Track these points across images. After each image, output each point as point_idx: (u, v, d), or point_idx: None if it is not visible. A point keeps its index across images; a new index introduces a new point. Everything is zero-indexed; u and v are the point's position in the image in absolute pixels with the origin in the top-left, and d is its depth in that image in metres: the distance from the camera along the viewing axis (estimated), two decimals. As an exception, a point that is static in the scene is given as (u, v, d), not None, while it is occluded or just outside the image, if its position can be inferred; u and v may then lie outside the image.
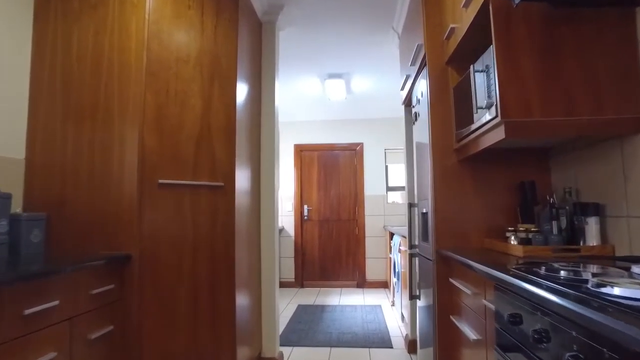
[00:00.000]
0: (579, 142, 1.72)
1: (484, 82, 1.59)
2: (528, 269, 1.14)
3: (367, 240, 5.69)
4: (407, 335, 3.16)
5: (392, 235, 4.49)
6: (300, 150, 5.91)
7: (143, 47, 1.92)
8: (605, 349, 0.68)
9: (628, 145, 1.41)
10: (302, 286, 5.70)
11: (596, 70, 1.41)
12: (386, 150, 5.81)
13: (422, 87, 2.26)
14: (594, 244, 1.52)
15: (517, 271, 1.12)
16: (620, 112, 1.38)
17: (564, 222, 1.65)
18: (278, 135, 2.90)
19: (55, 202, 1.88)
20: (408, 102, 3.02)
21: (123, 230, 1.84)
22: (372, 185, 5.77)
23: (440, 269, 1.98)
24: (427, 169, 2.17)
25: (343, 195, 5.81)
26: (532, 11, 1.45)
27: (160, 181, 1.92)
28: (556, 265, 1.17)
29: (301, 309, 4.36)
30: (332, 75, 4.14)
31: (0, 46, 1.83)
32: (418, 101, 2.41)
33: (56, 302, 1.36)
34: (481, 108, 1.58)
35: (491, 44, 1.49)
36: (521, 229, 1.76)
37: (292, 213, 5.80)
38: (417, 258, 2.59)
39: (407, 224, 2.72)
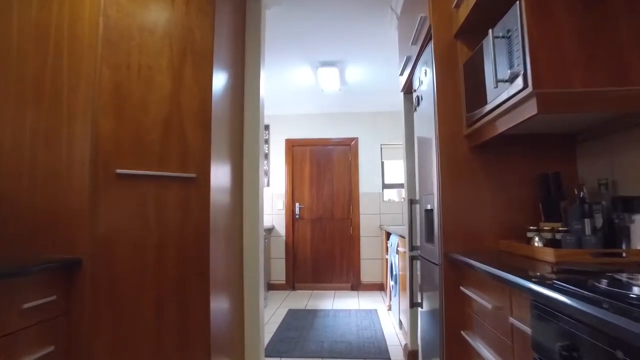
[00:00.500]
0: (612, 124, 1.44)
1: (505, 50, 1.31)
2: (579, 281, 0.86)
3: (362, 240, 5.41)
4: (406, 345, 2.88)
5: (388, 235, 4.21)
6: (292, 146, 5.61)
7: (99, 12, 1.62)
8: None
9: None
10: (293, 288, 5.39)
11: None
12: (382, 146, 5.53)
13: (426, 66, 1.98)
14: (642, 247, 1.24)
15: (567, 285, 0.84)
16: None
17: (599, 220, 1.37)
18: (263, 129, 2.59)
19: (-10, 197, 1.57)
20: (408, 89, 2.73)
21: (72, 231, 1.54)
22: (367, 183, 5.48)
23: (449, 275, 1.69)
24: (431, 160, 1.88)
25: (337, 192, 5.51)
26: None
27: (119, 171, 1.62)
28: (620, 277, 0.88)
29: (291, 314, 4.07)
30: (325, 63, 3.85)
31: None
32: (421, 82, 2.13)
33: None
34: (502, 81, 1.30)
35: (510, 8, 1.21)
36: (546, 228, 1.48)
37: (283, 211, 5.50)
38: (418, 261, 2.31)
39: (406, 223, 2.44)
